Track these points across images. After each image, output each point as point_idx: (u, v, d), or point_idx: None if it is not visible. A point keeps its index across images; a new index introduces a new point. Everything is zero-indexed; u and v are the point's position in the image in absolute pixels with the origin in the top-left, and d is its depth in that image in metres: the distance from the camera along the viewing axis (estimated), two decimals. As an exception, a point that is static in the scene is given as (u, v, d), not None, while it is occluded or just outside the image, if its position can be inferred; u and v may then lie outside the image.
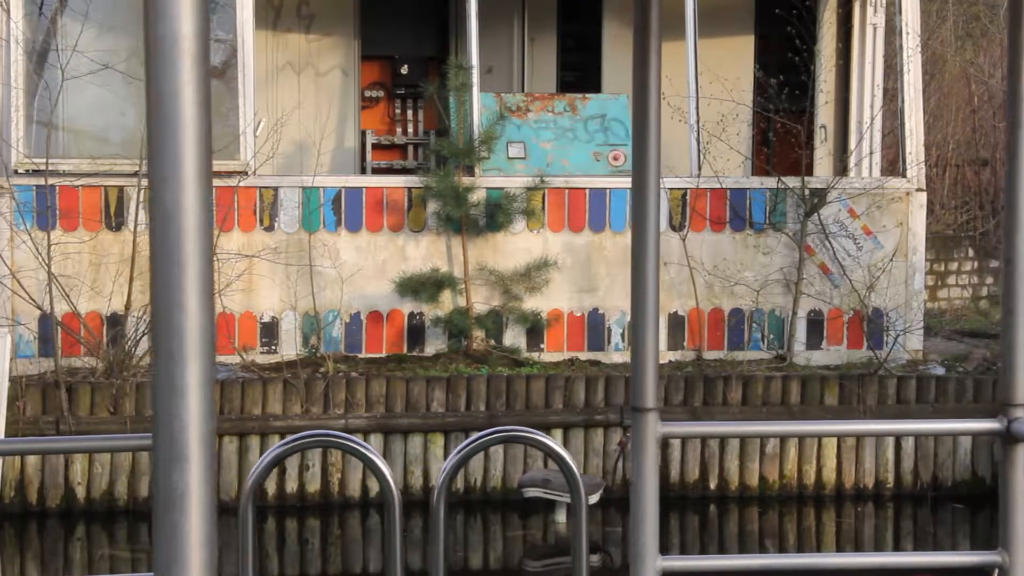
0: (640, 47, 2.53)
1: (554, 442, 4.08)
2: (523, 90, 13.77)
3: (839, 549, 10.32)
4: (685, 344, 11.83)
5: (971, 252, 16.37)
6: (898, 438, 10.79)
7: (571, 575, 3.91)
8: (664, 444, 10.70)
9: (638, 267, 2.63)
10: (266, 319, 11.43)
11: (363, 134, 13.88)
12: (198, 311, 1.22)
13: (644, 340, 2.64)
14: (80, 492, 10.15)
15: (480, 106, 11.72)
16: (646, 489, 2.64)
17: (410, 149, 14.14)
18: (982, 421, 2.91)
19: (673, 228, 11.78)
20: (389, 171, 13.46)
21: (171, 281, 1.22)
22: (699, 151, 11.92)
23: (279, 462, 4.02)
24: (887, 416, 10.78)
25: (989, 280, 16.35)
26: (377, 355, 11.49)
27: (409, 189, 11.60)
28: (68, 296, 10.72)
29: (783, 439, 10.69)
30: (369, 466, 3.95)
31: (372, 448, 4.10)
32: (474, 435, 4.01)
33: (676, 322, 11.85)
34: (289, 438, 3.97)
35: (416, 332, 11.62)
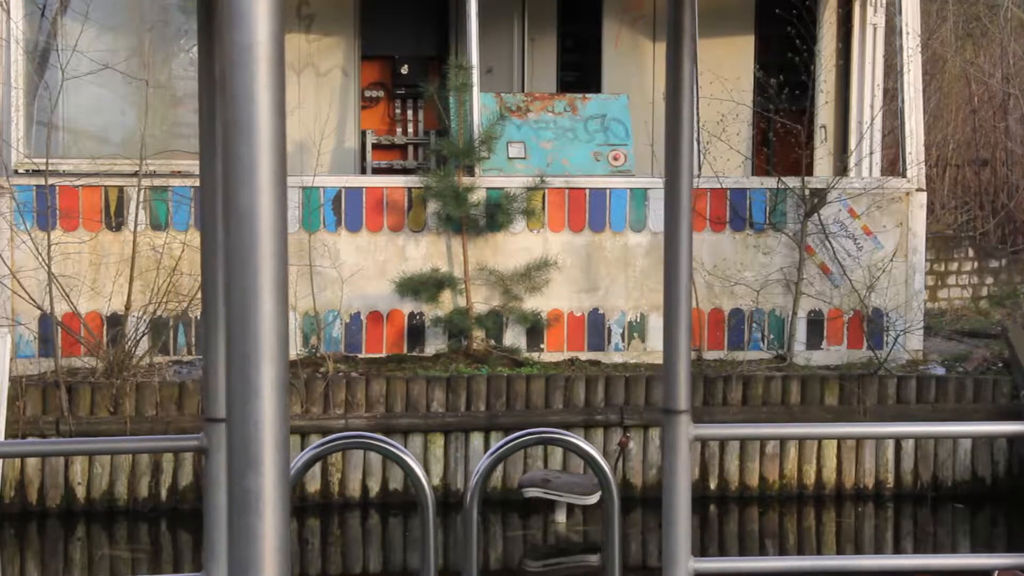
0: (673, 49, 2.53)
1: (586, 443, 4.09)
2: (523, 90, 13.77)
3: (839, 549, 10.32)
4: (685, 344, 11.82)
5: (971, 252, 16.37)
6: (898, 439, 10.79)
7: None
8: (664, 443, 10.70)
9: (670, 269, 2.63)
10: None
11: (363, 134, 13.88)
12: (272, 313, 1.23)
13: (676, 342, 2.64)
14: (80, 492, 10.15)
15: (480, 106, 11.72)
16: (678, 491, 2.64)
17: (410, 149, 14.14)
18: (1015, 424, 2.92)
19: (673, 228, 11.76)
20: (389, 171, 13.46)
21: (246, 284, 1.22)
22: (699, 151, 11.92)
23: (315, 462, 4.03)
24: (887, 416, 10.77)
25: (989, 280, 16.35)
26: (377, 355, 11.49)
27: (409, 189, 11.60)
28: (68, 296, 10.72)
29: (784, 439, 10.69)
30: (404, 468, 3.96)
31: (406, 449, 4.13)
32: (509, 436, 4.02)
33: (676, 322, 11.83)
34: (324, 439, 3.98)
35: (416, 332, 11.62)
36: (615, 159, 12.03)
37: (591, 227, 11.73)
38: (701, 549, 10.20)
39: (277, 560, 1.23)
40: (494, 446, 3.93)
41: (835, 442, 10.82)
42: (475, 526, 3.90)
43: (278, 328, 1.23)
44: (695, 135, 11.95)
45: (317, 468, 10.34)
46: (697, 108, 12.04)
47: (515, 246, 11.63)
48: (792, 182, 11.81)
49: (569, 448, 4.12)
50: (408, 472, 3.90)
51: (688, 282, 2.63)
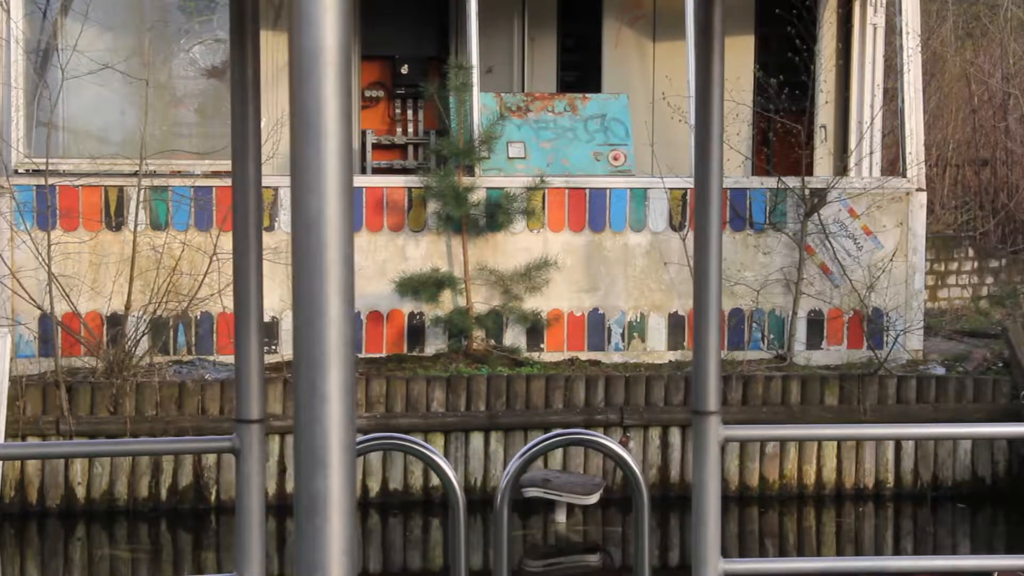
0: (703, 50, 2.53)
1: (617, 444, 4.10)
2: (523, 90, 13.77)
3: (839, 549, 10.32)
4: (685, 344, 11.83)
5: (971, 252, 16.37)
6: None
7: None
8: (664, 444, 10.70)
9: (700, 271, 2.64)
10: (266, 319, 11.43)
11: (363, 134, 13.88)
12: (339, 318, 1.24)
13: (706, 343, 2.64)
14: (80, 492, 10.15)
15: (480, 106, 11.72)
16: (708, 493, 2.65)
17: (410, 149, 14.14)
18: None
19: (673, 228, 11.78)
20: (389, 171, 13.46)
21: (313, 288, 1.23)
22: (699, 151, 11.91)
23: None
24: (886, 416, 10.77)
25: (989, 280, 16.34)
26: (377, 355, 11.49)
27: (409, 189, 11.60)
28: (68, 296, 10.72)
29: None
30: (433, 468, 3.97)
31: (435, 449, 4.14)
32: (537, 438, 4.04)
33: (676, 322, 11.85)
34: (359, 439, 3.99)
35: (416, 332, 11.62)
36: (615, 159, 12.03)
37: (591, 227, 11.73)
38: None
39: (344, 563, 1.24)
40: (523, 448, 3.95)
41: (835, 442, 10.82)
42: (505, 527, 3.91)
43: (344, 333, 1.24)
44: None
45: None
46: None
47: (515, 246, 11.63)
48: (792, 182, 11.80)
49: (598, 449, 4.13)
50: (439, 474, 3.91)
51: (718, 284, 2.62)
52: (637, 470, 3.87)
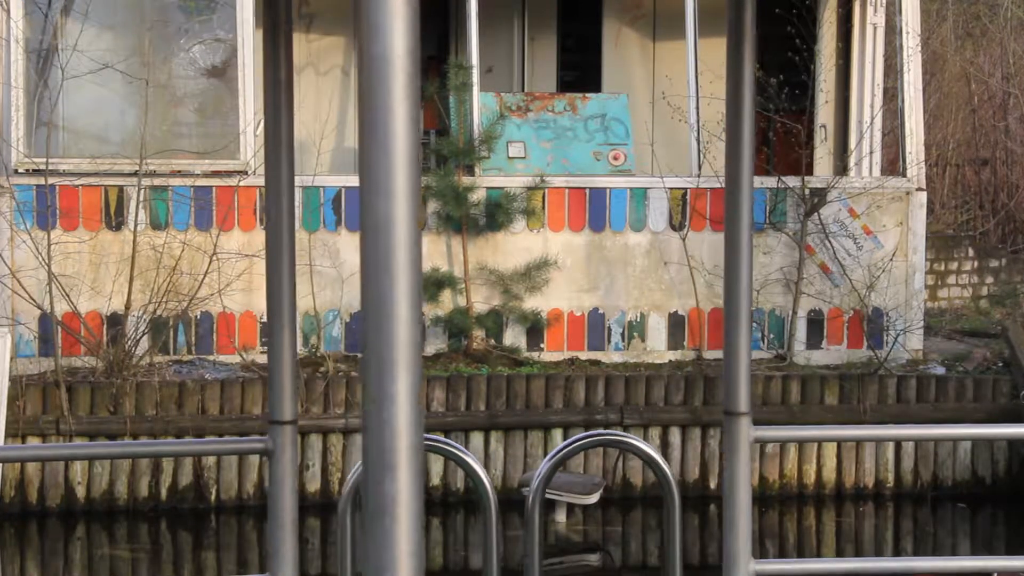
0: (735, 50, 2.54)
1: (649, 446, 4.11)
2: (523, 90, 13.77)
3: (839, 549, 10.32)
4: (685, 344, 11.83)
5: (971, 252, 16.37)
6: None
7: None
8: (664, 444, 10.70)
9: (731, 269, 2.64)
10: (266, 319, 11.41)
11: (363, 134, 13.87)
12: (407, 321, 1.24)
13: (737, 343, 2.64)
14: (80, 492, 10.15)
15: (480, 106, 11.72)
16: (739, 493, 2.65)
17: (410, 149, 14.13)
18: None
19: (673, 228, 11.78)
20: (389, 171, 13.44)
21: (381, 291, 1.24)
22: (699, 151, 11.93)
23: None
24: (887, 416, 10.78)
25: (989, 280, 16.35)
26: (377, 355, 11.47)
27: (409, 189, 11.59)
28: (68, 296, 10.72)
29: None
30: (465, 468, 3.97)
31: (465, 448, 4.14)
32: (568, 440, 4.05)
33: (676, 322, 11.85)
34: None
35: (416, 332, 11.61)
36: (615, 159, 12.03)
37: (591, 227, 11.73)
38: (701, 549, 10.20)
39: (412, 565, 1.25)
40: (553, 450, 3.96)
41: (835, 442, 10.82)
42: (537, 529, 3.92)
43: (412, 336, 1.25)
44: (697, 134, 11.94)
45: (317, 468, 10.35)
46: (697, 108, 12.04)
47: (515, 246, 11.63)
48: (792, 182, 11.81)
49: (630, 450, 4.14)
50: (470, 473, 3.92)
51: (748, 285, 2.62)
52: (668, 471, 3.88)
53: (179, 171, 11.23)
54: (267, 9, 2.45)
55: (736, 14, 2.51)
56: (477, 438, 10.46)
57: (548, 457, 3.96)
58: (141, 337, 10.72)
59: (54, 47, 11.30)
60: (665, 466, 3.90)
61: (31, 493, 10.11)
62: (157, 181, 11.15)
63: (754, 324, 11.87)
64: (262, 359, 11.27)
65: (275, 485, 2.54)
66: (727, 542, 2.64)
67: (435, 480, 10.45)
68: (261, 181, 11.43)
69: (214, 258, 10.91)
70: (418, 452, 1.25)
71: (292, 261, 2.52)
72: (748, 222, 2.60)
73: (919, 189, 12.16)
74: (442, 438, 4.05)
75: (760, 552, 10.04)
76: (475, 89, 11.63)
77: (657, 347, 11.82)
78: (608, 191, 11.75)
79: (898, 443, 10.88)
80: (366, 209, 1.24)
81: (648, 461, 4.01)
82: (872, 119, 13.18)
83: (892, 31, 13.14)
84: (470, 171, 11.57)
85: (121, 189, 11.13)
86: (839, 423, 10.75)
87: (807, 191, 11.73)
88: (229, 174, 11.29)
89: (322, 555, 10.09)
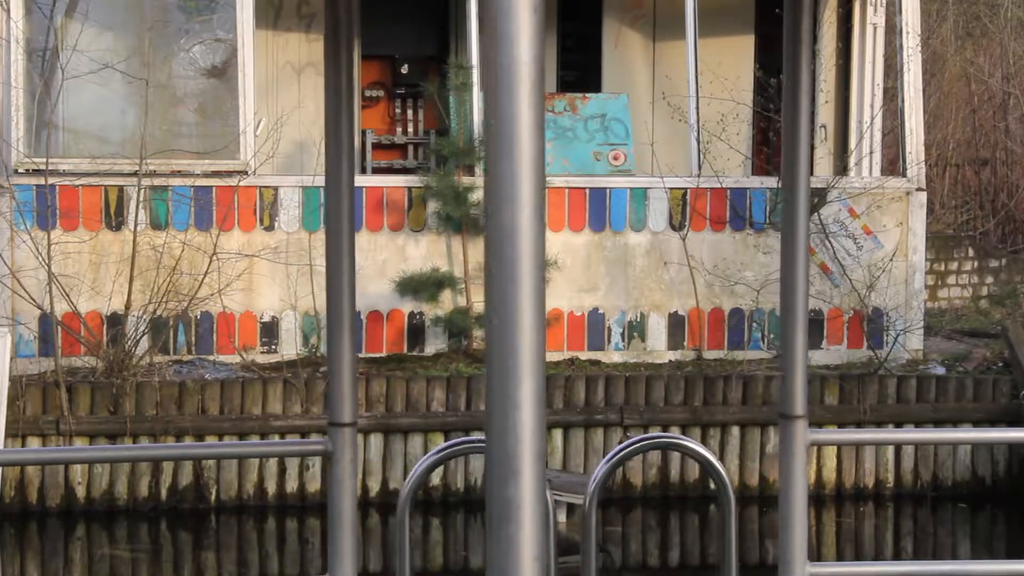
0: (792, 56, 2.54)
1: (706, 450, 4.11)
2: (523, 90, 13.75)
3: (839, 549, 10.32)
4: (685, 344, 11.83)
5: (971, 252, 16.37)
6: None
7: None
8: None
9: (787, 268, 2.63)
10: (266, 319, 11.43)
11: (363, 134, 13.88)
12: (532, 328, 1.25)
13: (793, 345, 2.64)
14: (80, 492, 10.15)
15: (480, 106, 11.72)
16: (795, 496, 2.65)
17: (410, 149, 14.14)
18: None
19: (673, 228, 11.78)
20: (389, 171, 13.46)
21: (506, 298, 1.24)
22: (699, 151, 11.92)
23: (436, 467, 4.08)
24: (887, 416, 10.78)
25: (989, 280, 16.35)
26: (377, 355, 11.48)
27: (409, 189, 11.60)
28: (68, 296, 10.72)
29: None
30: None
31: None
32: (625, 443, 4.06)
33: (676, 322, 11.84)
34: (447, 443, 4.01)
35: (416, 332, 11.62)
36: (615, 159, 12.02)
37: (591, 227, 11.73)
38: (701, 549, 10.19)
39: (535, 568, 1.25)
40: (610, 453, 3.97)
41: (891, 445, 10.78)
42: (593, 531, 3.94)
43: (537, 343, 1.25)
44: (697, 134, 11.94)
45: (317, 468, 10.35)
46: (697, 108, 12.04)
47: (515, 246, 11.61)
48: (792, 182, 11.78)
49: (686, 453, 4.14)
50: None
51: (804, 286, 2.61)
52: (724, 474, 3.89)
53: (179, 171, 11.23)
54: (328, 12, 2.46)
55: (792, 20, 2.52)
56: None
57: (604, 461, 3.98)
58: (141, 337, 10.71)
59: (54, 47, 11.30)
60: (722, 470, 3.91)
61: (31, 493, 10.11)
62: (157, 181, 11.15)
63: (754, 324, 11.87)
64: (262, 359, 11.28)
65: (335, 487, 2.56)
66: (783, 545, 2.65)
67: (435, 480, 10.45)
68: (261, 181, 11.44)
69: (214, 258, 10.91)
70: (541, 458, 1.25)
71: (352, 264, 2.54)
72: (804, 224, 2.60)
73: (919, 189, 12.16)
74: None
75: (760, 553, 10.04)
76: (475, 89, 11.63)
77: (657, 347, 11.82)
78: (608, 191, 11.75)
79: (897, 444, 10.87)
80: (491, 217, 1.24)
81: (704, 464, 4.01)
82: (872, 119, 13.18)
83: (892, 31, 13.13)
84: (470, 171, 11.57)
85: (121, 189, 11.13)
86: (839, 423, 10.75)
87: (807, 191, 11.71)
88: (229, 174, 11.29)
89: (322, 555, 10.09)
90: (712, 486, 10.65)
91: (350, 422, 2.56)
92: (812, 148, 12.85)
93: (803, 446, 2.65)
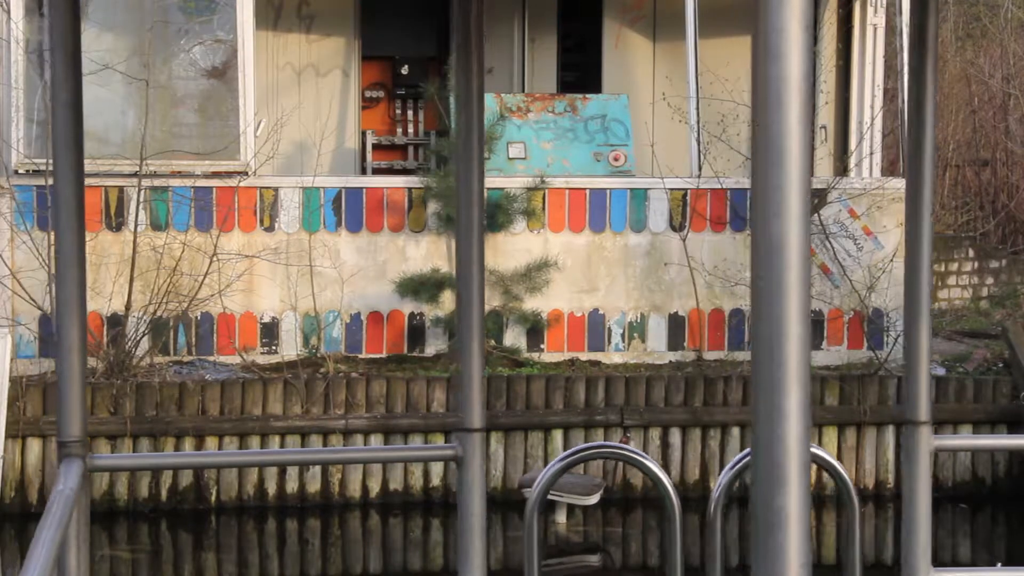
0: (918, 60, 2.54)
1: (829, 455, 4.12)
2: (523, 90, 13.77)
3: (839, 550, 10.31)
4: (685, 344, 11.83)
5: (971, 252, 16.37)
6: (899, 437, 10.80)
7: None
8: (664, 445, 10.70)
9: (911, 273, 2.65)
10: (266, 319, 11.43)
11: (363, 134, 13.88)
12: (799, 339, 1.26)
13: (917, 351, 2.64)
14: None
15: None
16: (919, 501, 2.66)
17: (410, 149, 14.14)
18: None
19: (673, 228, 11.78)
20: (389, 171, 13.46)
21: (773, 311, 1.26)
22: (699, 151, 11.93)
23: (565, 471, 4.11)
24: (887, 416, 10.78)
25: (989, 280, 16.35)
26: (378, 355, 11.49)
27: (409, 189, 11.60)
28: (68, 296, 10.70)
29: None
30: (650, 476, 4.00)
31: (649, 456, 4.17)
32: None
33: (676, 322, 11.85)
34: (576, 448, 4.02)
35: (416, 332, 11.62)
36: (615, 159, 12.03)
37: (591, 227, 11.73)
38: (700, 549, 10.19)
39: None
40: (735, 457, 3.98)
41: (835, 442, 10.82)
42: (719, 533, 3.98)
43: (803, 354, 1.26)
44: (697, 135, 11.95)
45: (317, 468, 10.35)
46: (697, 108, 12.04)
47: (515, 246, 11.63)
48: (792, 182, 11.79)
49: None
50: (655, 479, 3.96)
51: (928, 289, 2.62)
52: (848, 479, 3.91)
53: (179, 172, 11.23)
54: (459, 20, 2.50)
55: (919, 20, 2.53)
56: (477, 439, 10.45)
57: (729, 467, 4.00)
58: (141, 338, 10.72)
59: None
60: (845, 474, 3.93)
61: (31, 493, 10.11)
62: (157, 182, 11.15)
63: (754, 325, 11.86)
64: (262, 360, 11.28)
65: (464, 490, 2.58)
66: (906, 549, 2.66)
67: (435, 481, 10.45)
68: (261, 182, 11.44)
69: (214, 259, 10.91)
70: (808, 467, 1.26)
71: (482, 270, 2.56)
72: (928, 226, 2.61)
73: (919, 190, 12.14)
74: (628, 447, 4.06)
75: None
76: (475, 90, 11.62)
77: (657, 348, 11.82)
78: (608, 192, 11.75)
79: (898, 443, 10.88)
80: (759, 230, 1.25)
81: (830, 470, 4.03)
82: (872, 120, 13.18)
83: (892, 32, 13.14)
84: (470, 172, 11.56)
85: (121, 190, 11.13)
86: (839, 424, 10.75)
87: (807, 192, 11.72)
88: (229, 175, 11.29)
89: (322, 555, 10.09)
90: (713, 486, 10.66)
91: (479, 427, 2.58)
92: (812, 149, 12.84)
93: (928, 452, 2.66)
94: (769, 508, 1.26)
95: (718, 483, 3.94)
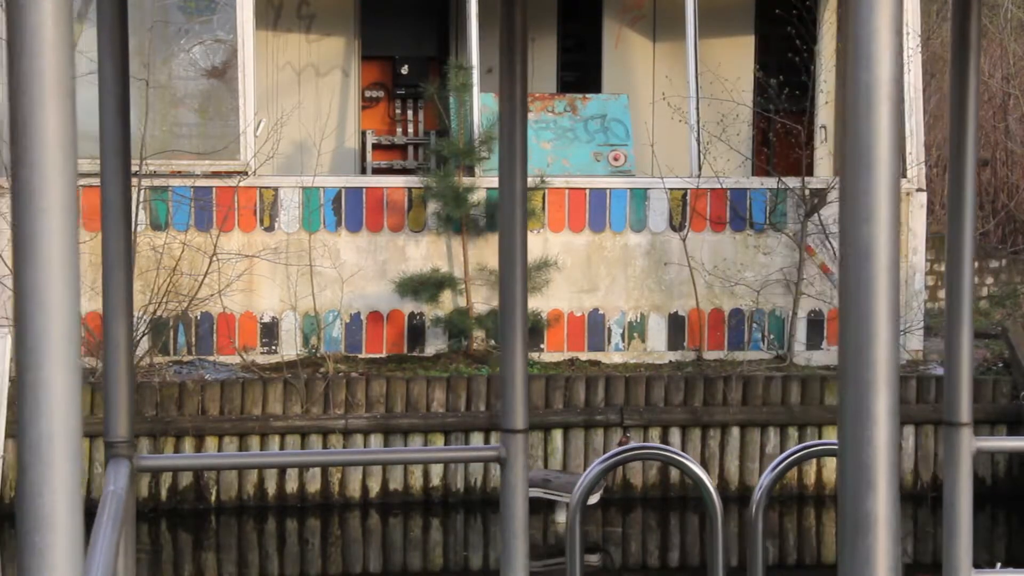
0: (959, 61, 2.56)
1: (694, 462, 4.13)
2: (523, 90, 13.74)
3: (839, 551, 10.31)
4: (685, 344, 11.83)
5: (971, 252, 16.34)
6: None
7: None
8: (663, 443, 10.70)
9: (953, 271, 2.64)
10: (266, 319, 11.43)
11: (363, 134, 13.88)
12: (887, 342, 1.27)
13: (959, 352, 2.64)
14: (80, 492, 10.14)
15: (480, 106, 11.72)
16: (960, 504, 2.66)
17: (410, 149, 14.14)
18: None
19: (673, 228, 11.78)
20: (389, 171, 13.46)
21: (861, 314, 1.26)
22: (699, 151, 11.92)
23: (607, 472, 4.16)
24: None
25: (989, 280, 16.35)
26: (377, 355, 11.49)
27: (409, 189, 11.60)
28: (68, 296, 10.70)
29: (784, 438, 10.69)
30: (691, 476, 4.01)
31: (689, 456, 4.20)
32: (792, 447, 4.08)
33: (676, 322, 11.85)
34: (613, 451, 4.03)
35: (416, 332, 11.62)
36: (615, 159, 12.03)
37: (591, 227, 11.73)
38: (700, 549, 10.19)
39: None
40: (777, 458, 4.00)
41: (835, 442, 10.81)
42: (760, 533, 3.99)
43: (892, 356, 1.27)
44: (697, 135, 11.95)
45: (318, 468, 10.35)
46: (697, 108, 12.04)
47: (515, 246, 11.61)
48: (792, 182, 11.81)
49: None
50: (695, 480, 3.98)
51: (970, 292, 2.62)
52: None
53: (179, 172, 11.24)
54: (504, 25, 2.51)
55: (960, 21, 2.55)
56: (477, 439, 10.46)
57: (770, 469, 4.01)
58: (141, 338, 10.72)
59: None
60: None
61: (31, 494, 10.09)
62: (157, 182, 11.15)
63: (754, 325, 11.87)
64: (262, 360, 11.28)
65: (507, 491, 2.59)
66: (948, 551, 2.66)
67: (435, 481, 10.45)
68: (261, 182, 11.44)
69: (214, 259, 10.91)
70: (896, 470, 1.27)
71: (525, 269, 2.56)
72: (971, 228, 2.62)
73: (919, 190, 12.16)
74: (667, 447, 4.08)
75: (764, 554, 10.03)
76: (475, 90, 11.63)
77: (657, 348, 11.82)
78: (608, 192, 11.75)
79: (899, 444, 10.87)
80: (847, 234, 1.26)
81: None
82: (872, 119, 13.17)
83: (892, 31, 13.12)
84: (470, 172, 11.57)
85: (121, 189, 11.11)
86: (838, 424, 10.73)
87: (807, 192, 11.73)
88: (229, 175, 11.28)
89: (322, 555, 10.09)
90: (712, 487, 10.66)
91: (523, 428, 2.59)
92: (812, 149, 12.86)
93: (969, 454, 2.65)
94: (858, 511, 1.26)
95: (759, 484, 3.96)
